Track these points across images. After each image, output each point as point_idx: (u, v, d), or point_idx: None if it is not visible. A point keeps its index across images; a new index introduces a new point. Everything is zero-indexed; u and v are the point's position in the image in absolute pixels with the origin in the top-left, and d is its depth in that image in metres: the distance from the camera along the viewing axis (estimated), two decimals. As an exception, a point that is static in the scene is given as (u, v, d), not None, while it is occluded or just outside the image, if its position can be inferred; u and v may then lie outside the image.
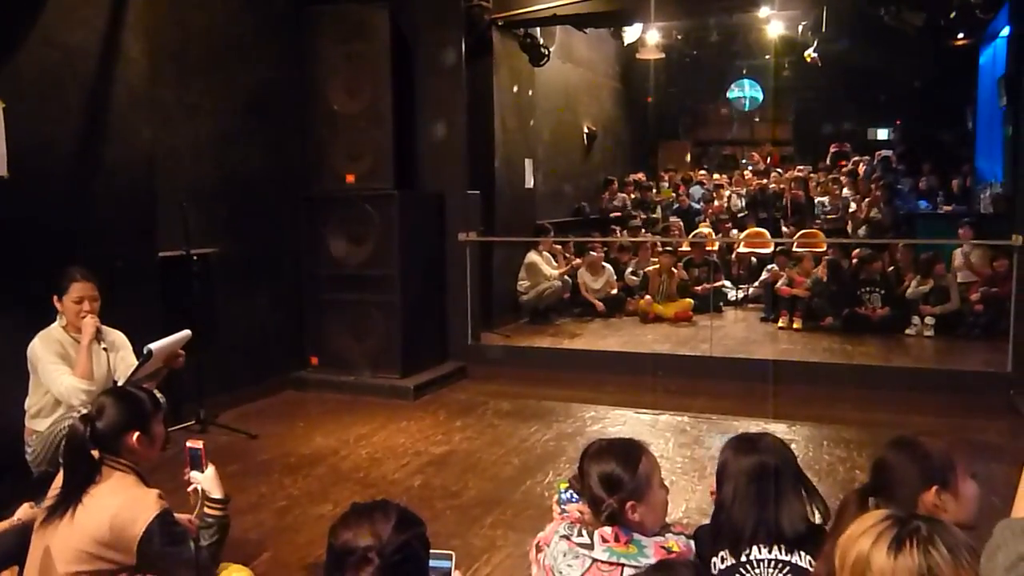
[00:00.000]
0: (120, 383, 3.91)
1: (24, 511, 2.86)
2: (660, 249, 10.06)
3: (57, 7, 4.78)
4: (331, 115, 6.95)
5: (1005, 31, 10.67)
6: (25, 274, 4.42)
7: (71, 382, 3.84)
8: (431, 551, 1.92)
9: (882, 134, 16.44)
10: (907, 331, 8.39)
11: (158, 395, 3.09)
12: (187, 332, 4.17)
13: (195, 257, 5.71)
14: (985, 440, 5.36)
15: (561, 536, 2.26)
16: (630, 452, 2.31)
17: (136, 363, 4.03)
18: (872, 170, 13.52)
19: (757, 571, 2.21)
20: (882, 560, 1.45)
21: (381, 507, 1.83)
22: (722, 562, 2.27)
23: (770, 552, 2.22)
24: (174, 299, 5.61)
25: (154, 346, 3.91)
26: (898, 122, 16.21)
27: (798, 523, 2.26)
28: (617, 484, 2.23)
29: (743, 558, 2.23)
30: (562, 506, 2.51)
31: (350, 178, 6.92)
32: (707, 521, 2.45)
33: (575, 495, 2.47)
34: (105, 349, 4.09)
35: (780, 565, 2.20)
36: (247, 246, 6.49)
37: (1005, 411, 5.92)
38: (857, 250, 9.33)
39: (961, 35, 11.60)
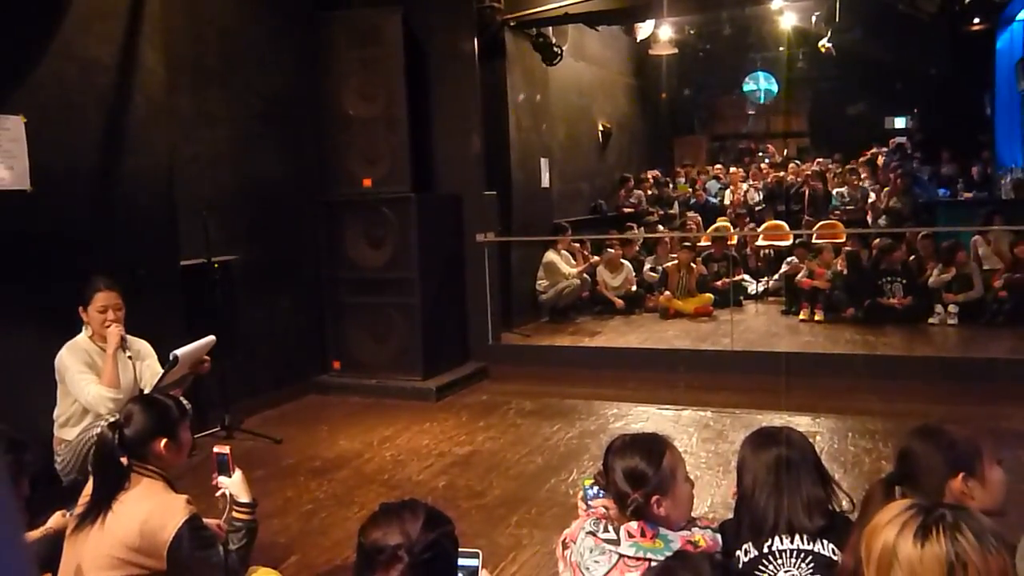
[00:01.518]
0: (147, 391, 3.96)
1: (56, 520, 2.91)
2: (679, 244, 10.03)
3: (74, 21, 4.85)
4: (347, 120, 6.99)
5: (1021, 15, 10.58)
6: (50, 286, 4.49)
7: (98, 391, 3.89)
8: (459, 549, 1.93)
9: (899, 123, 16.31)
10: (930, 320, 8.32)
11: (184, 402, 3.13)
12: (211, 338, 4.22)
13: (216, 265, 5.76)
14: (1011, 427, 5.31)
15: (587, 532, 2.27)
16: (654, 447, 2.31)
17: (162, 371, 4.08)
18: (889, 159, 13.44)
19: (780, 561, 2.22)
20: (909, 549, 1.44)
21: (410, 506, 1.85)
22: (746, 555, 2.27)
23: (792, 542, 2.23)
24: (196, 307, 5.66)
25: (180, 352, 3.96)
26: (916, 110, 16.08)
27: (819, 512, 2.26)
28: (642, 479, 2.24)
29: (765, 549, 2.24)
30: (587, 502, 2.51)
31: (367, 182, 6.96)
32: (731, 515, 2.46)
33: (600, 491, 2.47)
34: (130, 357, 4.15)
35: (803, 555, 2.21)
36: (267, 252, 6.54)
37: (1032, 398, 5.86)
38: (877, 240, 9.27)
39: (977, 20, 11.46)
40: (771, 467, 2.30)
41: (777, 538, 2.24)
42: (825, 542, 2.21)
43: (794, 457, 2.32)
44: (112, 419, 2.92)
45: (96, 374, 3.96)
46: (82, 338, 4.05)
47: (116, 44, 5.15)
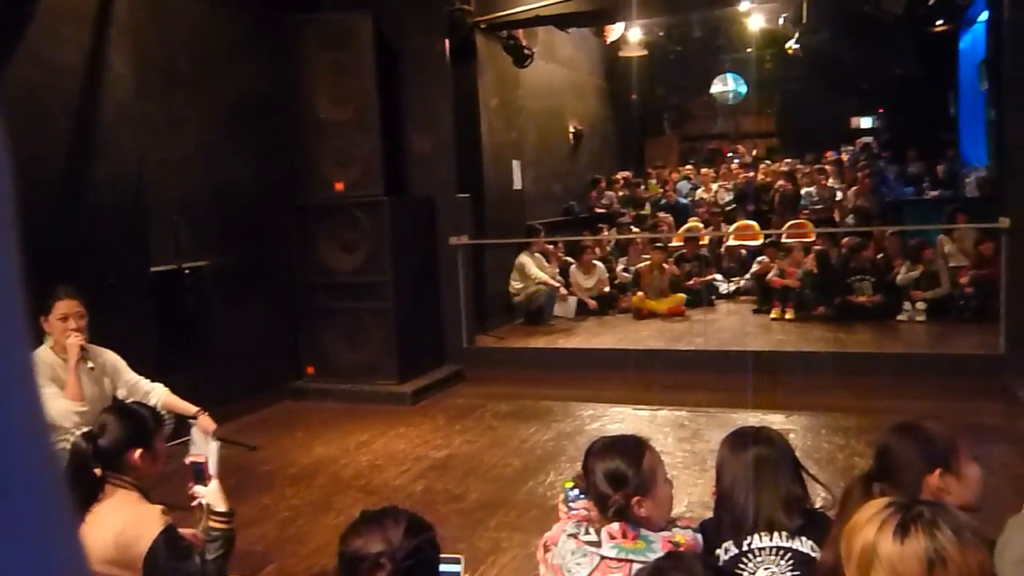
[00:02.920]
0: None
1: None
2: (651, 245, 10.08)
3: (41, 25, 4.77)
4: (318, 123, 6.95)
5: (983, 16, 10.75)
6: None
7: (62, 405, 3.81)
8: (441, 555, 1.93)
9: (866, 122, 16.52)
10: (899, 317, 8.43)
11: (162, 412, 3.10)
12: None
13: (187, 271, 5.71)
14: (980, 422, 5.40)
15: (569, 535, 2.28)
16: (633, 448, 2.33)
17: (136, 378, 4.05)
18: (856, 158, 13.60)
19: (759, 559, 2.24)
20: (889, 546, 1.46)
21: (391, 513, 1.85)
22: (726, 553, 2.29)
23: (771, 540, 2.25)
24: (168, 314, 5.61)
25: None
26: (881, 110, 16.30)
27: (797, 510, 2.28)
28: (622, 480, 2.25)
29: (745, 547, 2.26)
30: (569, 504, 2.52)
31: (339, 186, 6.92)
32: (711, 514, 2.48)
33: (581, 493, 2.48)
34: (92, 368, 4.04)
35: (782, 552, 2.23)
36: (239, 258, 6.49)
37: (999, 393, 5.95)
38: (846, 239, 9.38)
39: (940, 21, 11.68)
40: (749, 465, 2.32)
41: (756, 536, 2.26)
42: (804, 539, 2.23)
43: (772, 455, 2.34)
44: (81, 432, 2.88)
45: (60, 387, 3.87)
46: (44, 350, 3.96)
47: (84, 48, 5.09)
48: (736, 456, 2.37)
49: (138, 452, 2.64)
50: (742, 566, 2.25)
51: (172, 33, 6.02)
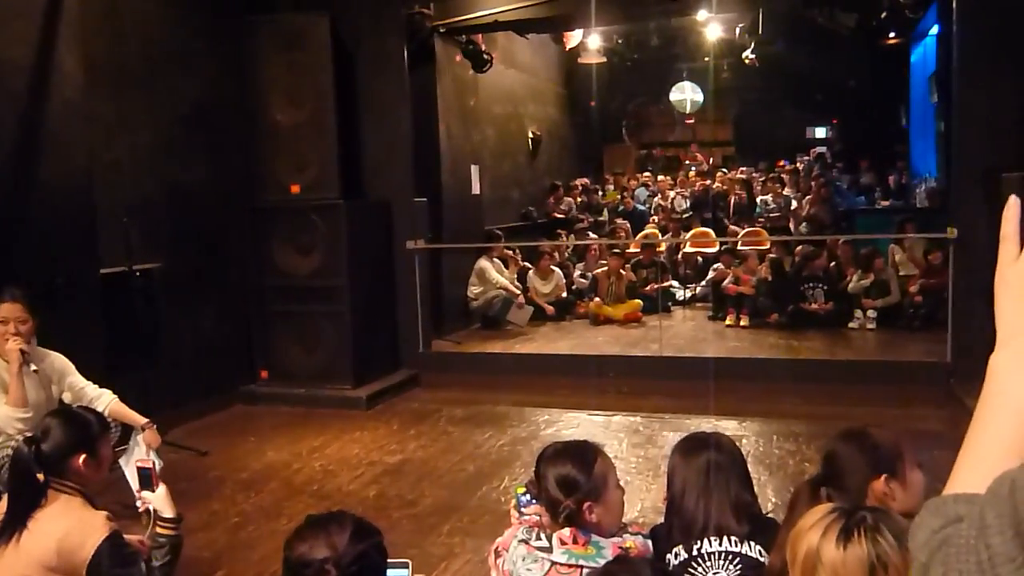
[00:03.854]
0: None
1: None
2: (609, 251, 10.13)
3: (-13, 21, 4.67)
4: (274, 125, 6.88)
5: (934, 30, 10.99)
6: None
7: (4, 412, 3.71)
8: (388, 560, 1.92)
9: (820, 132, 16.79)
10: (850, 324, 8.56)
11: (108, 417, 3.03)
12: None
13: (138, 273, 5.60)
14: (927, 429, 5.50)
15: (520, 540, 2.28)
16: (585, 453, 2.33)
17: (84, 383, 3.97)
18: (810, 168, 13.82)
19: (708, 563, 2.26)
20: (832, 552, 1.49)
21: (336, 518, 1.83)
22: (676, 558, 2.31)
23: (720, 544, 2.27)
24: (117, 316, 5.50)
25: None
26: (835, 121, 16.58)
27: (746, 515, 2.31)
28: (573, 485, 2.25)
29: (694, 551, 2.28)
30: (520, 510, 2.52)
31: (295, 188, 6.86)
32: (662, 520, 2.49)
33: (533, 499, 2.48)
34: (35, 370, 3.94)
35: (731, 556, 2.25)
36: (191, 260, 6.39)
37: (945, 399, 6.07)
38: (800, 247, 9.51)
39: (892, 34, 11.90)
40: (701, 470, 2.34)
41: (706, 540, 2.28)
42: (752, 544, 2.26)
43: (723, 461, 2.36)
44: (26, 436, 2.81)
45: (4, 391, 3.78)
46: None
47: (31, 45, 4.97)
48: (687, 462, 2.39)
49: (82, 457, 2.59)
50: (692, 570, 2.27)
51: (124, 31, 5.91)
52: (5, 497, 2.60)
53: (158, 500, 2.75)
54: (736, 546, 2.26)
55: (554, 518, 2.28)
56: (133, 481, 3.28)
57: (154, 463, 2.82)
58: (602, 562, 2.12)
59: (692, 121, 16.92)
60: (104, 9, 5.73)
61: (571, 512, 2.23)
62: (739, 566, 2.23)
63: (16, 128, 4.90)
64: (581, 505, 2.24)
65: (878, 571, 1.43)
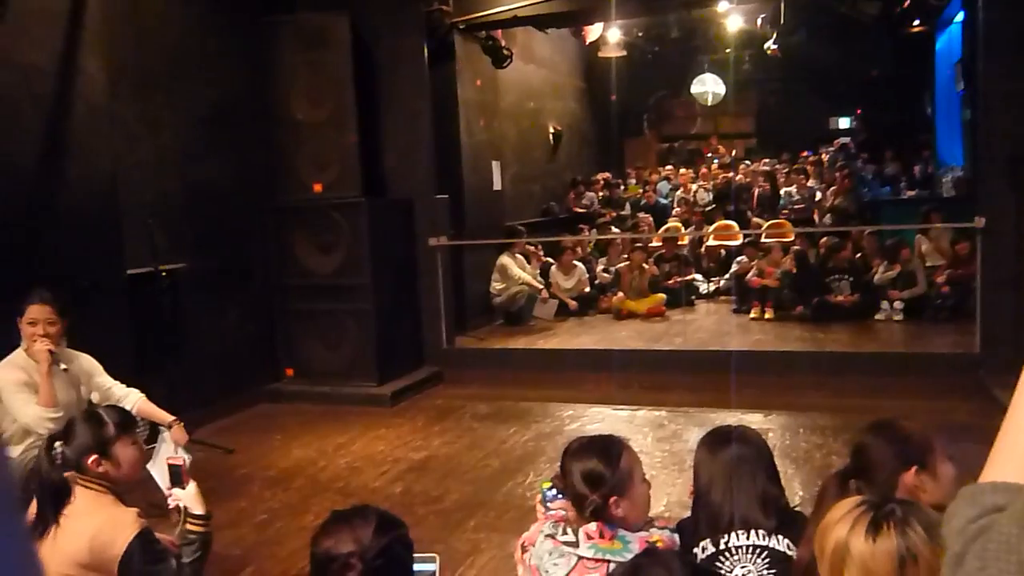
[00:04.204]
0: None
1: None
2: (631, 246, 10.11)
3: (11, 27, 4.72)
4: (295, 125, 6.92)
5: (959, 16, 10.85)
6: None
7: (35, 412, 3.77)
8: (415, 554, 1.92)
9: (844, 123, 16.63)
10: (876, 316, 8.48)
11: (138, 418, 3.05)
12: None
13: (163, 273, 5.65)
14: (956, 421, 5.44)
15: (546, 535, 2.27)
16: (610, 448, 2.33)
17: (111, 383, 4.02)
18: (834, 159, 13.70)
19: (736, 557, 2.25)
20: (861, 545, 1.47)
21: (361, 512, 1.84)
22: (703, 552, 2.30)
23: (747, 538, 2.25)
24: (144, 317, 5.56)
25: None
26: (859, 111, 16.41)
27: (774, 508, 2.29)
28: (599, 480, 2.25)
29: (722, 545, 2.27)
30: (546, 504, 2.52)
31: (317, 187, 6.89)
32: (688, 514, 2.48)
33: (559, 494, 2.48)
34: (65, 369, 4.00)
35: (758, 550, 2.24)
36: (216, 260, 6.44)
37: (975, 391, 5.99)
38: (824, 239, 9.43)
39: (916, 22, 11.76)
40: (727, 464, 2.33)
41: (733, 534, 2.27)
42: (780, 537, 2.24)
43: (748, 454, 2.35)
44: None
45: (34, 392, 3.84)
46: (19, 354, 3.92)
47: (55, 50, 5.03)
48: (713, 455, 2.38)
49: (92, 458, 2.61)
50: (719, 564, 2.26)
51: (145, 34, 5.96)
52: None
53: (188, 497, 2.78)
54: (763, 540, 2.25)
55: (580, 513, 2.28)
56: (161, 479, 3.31)
57: (184, 460, 2.84)
58: (629, 556, 2.12)
59: (703, 113, 16.80)
60: (126, 13, 5.78)
61: (597, 507, 2.23)
62: (767, 560, 2.22)
63: (42, 132, 4.95)
64: (607, 499, 2.23)
65: (908, 564, 1.42)
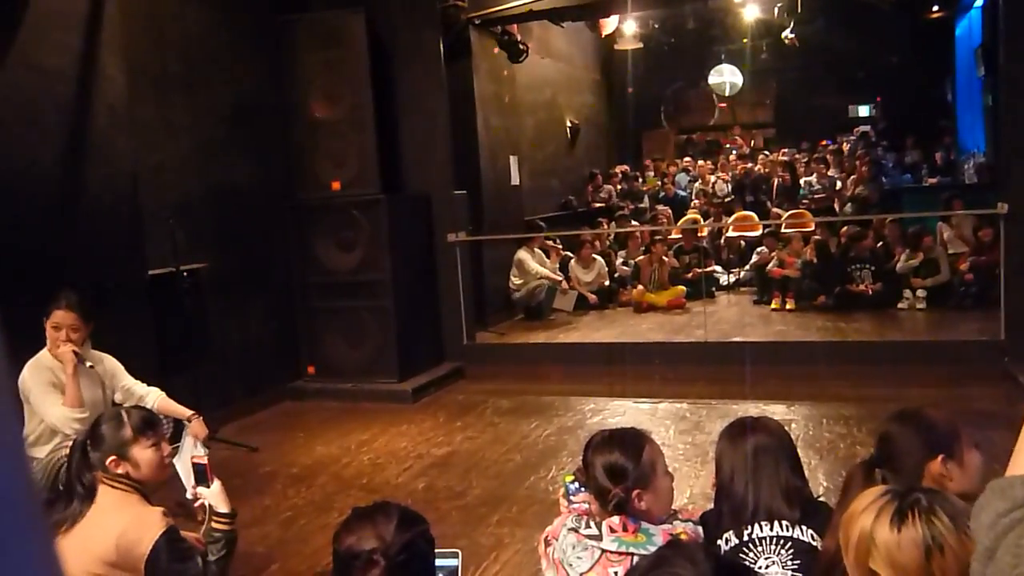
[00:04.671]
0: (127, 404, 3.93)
1: None
2: (650, 238, 10.08)
3: (32, 30, 4.76)
4: (313, 123, 6.94)
5: (979, 1, 10.73)
6: (13, 300, 4.40)
7: (62, 412, 3.82)
8: (437, 550, 1.93)
9: (863, 111, 16.48)
10: (899, 305, 8.41)
11: (163, 419, 3.07)
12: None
13: (185, 273, 5.69)
14: (982, 408, 5.39)
15: (569, 529, 2.27)
16: (633, 441, 2.32)
17: (132, 383, 4.07)
18: (855, 147, 13.58)
19: (760, 548, 2.24)
20: (886, 534, 1.46)
21: (382, 508, 1.84)
22: (727, 543, 2.29)
23: (771, 529, 2.24)
24: (166, 317, 5.61)
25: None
26: (878, 99, 16.26)
27: (798, 499, 2.28)
28: (622, 473, 2.25)
29: (745, 537, 2.26)
30: (570, 498, 2.52)
31: (336, 185, 6.92)
32: (711, 506, 2.47)
33: (582, 487, 2.48)
34: (91, 367, 4.05)
35: (782, 541, 2.22)
36: (236, 259, 6.48)
37: (1000, 378, 5.95)
38: (845, 228, 9.36)
39: (936, 8, 11.65)
40: (749, 455, 2.32)
41: (757, 525, 2.26)
42: (804, 528, 2.23)
43: (770, 445, 2.34)
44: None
45: (60, 392, 3.88)
46: (44, 355, 3.97)
47: (75, 52, 5.07)
48: (735, 446, 2.37)
49: (111, 459, 2.64)
50: (743, 556, 2.25)
51: (164, 35, 6.00)
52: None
53: (213, 496, 2.80)
54: (787, 530, 2.24)
55: (603, 506, 2.27)
56: (186, 478, 3.34)
57: (207, 458, 2.86)
58: (652, 549, 2.11)
59: (724, 105, 16.69)
60: (144, 16, 5.82)
61: (620, 500, 2.23)
62: (791, 550, 2.21)
63: (63, 135, 5.00)
64: (630, 493, 2.23)
65: (934, 553, 1.41)
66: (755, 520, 2.26)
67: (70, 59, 5.04)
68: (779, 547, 2.22)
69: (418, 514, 1.87)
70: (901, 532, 1.44)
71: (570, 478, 2.56)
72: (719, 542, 2.30)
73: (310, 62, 6.91)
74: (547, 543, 2.39)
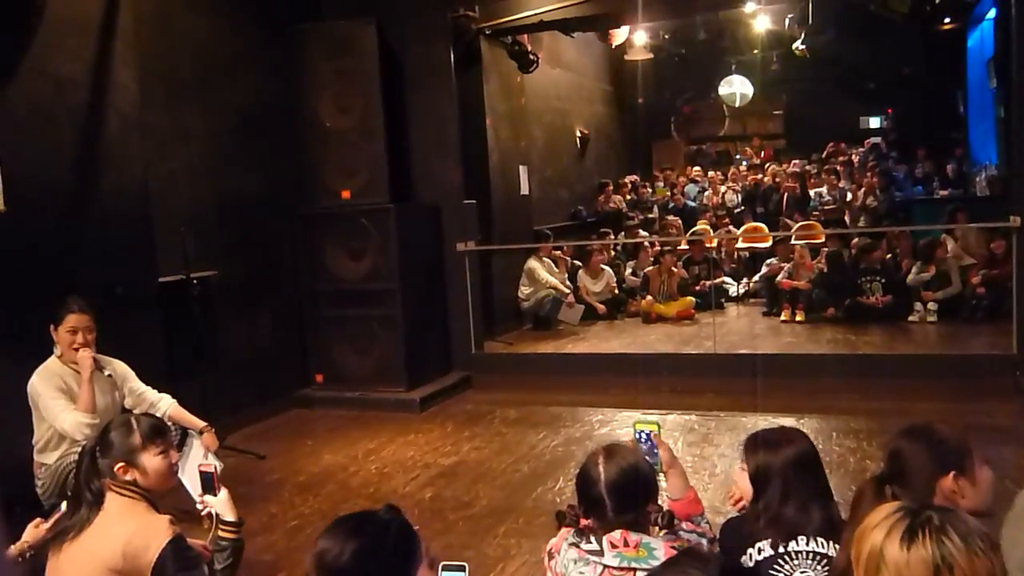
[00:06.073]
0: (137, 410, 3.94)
1: (31, 532, 2.83)
2: (659, 249, 10.06)
3: (45, 39, 4.80)
4: (323, 132, 6.96)
5: (991, 13, 10.70)
6: (25, 306, 4.42)
7: (74, 418, 3.82)
8: (444, 563, 1.92)
9: (874, 123, 16.43)
10: (910, 318, 8.37)
11: (171, 426, 3.07)
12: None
13: (195, 281, 5.71)
14: (993, 424, 5.35)
15: (570, 544, 2.26)
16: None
17: (142, 388, 4.09)
18: (865, 159, 13.54)
19: (796, 562, 2.21)
20: (896, 552, 1.44)
21: (362, 518, 1.89)
22: (759, 553, 2.26)
23: (808, 544, 2.22)
24: (176, 324, 5.62)
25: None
26: (890, 110, 16.22)
27: (838, 514, 2.26)
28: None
29: (782, 549, 2.23)
30: (641, 444, 2.56)
31: (345, 194, 6.93)
32: (721, 519, 2.45)
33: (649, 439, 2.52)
34: (109, 376, 4.08)
35: (818, 557, 2.20)
36: (246, 267, 6.50)
37: (1012, 393, 5.90)
38: (856, 240, 9.32)
39: (947, 20, 11.59)
40: (798, 465, 2.30)
41: (794, 540, 2.23)
42: (836, 545, 2.20)
43: (812, 458, 2.32)
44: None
45: (70, 398, 3.88)
46: (53, 361, 3.99)
47: (88, 61, 5.11)
48: (779, 457, 2.32)
49: (119, 466, 2.64)
50: (777, 568, 2.22)
51: (176, 44, 6.03)
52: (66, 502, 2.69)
53: (220, 504, 2.79)
54: (824, 548, 2.20)
55: (602, 522, 2.26)
56: (192, 486, 3.34)
57: (215, 467, 2.86)
58: (655, 564, 2.09)
59: (731, 115, 16.68)
60: (157, 24, 5.86)
61: (663, 514, 2.22)
62: (826, 568, 2.18)
63: (75, 142, 5.03)
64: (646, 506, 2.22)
65: (943, 573, 1.39)
66: (795, 534, 2.23)
67: (83, 67, 5.08)
68: (815, 563, 2.19)
69: (404, 524, 1.90)
70: (911, 551, 1.42)
71: (641, 426, 2.58)
72: (750, 551, 2.27)
73: (321, 71, 6.93)
74: (551, 556, 2.38)
